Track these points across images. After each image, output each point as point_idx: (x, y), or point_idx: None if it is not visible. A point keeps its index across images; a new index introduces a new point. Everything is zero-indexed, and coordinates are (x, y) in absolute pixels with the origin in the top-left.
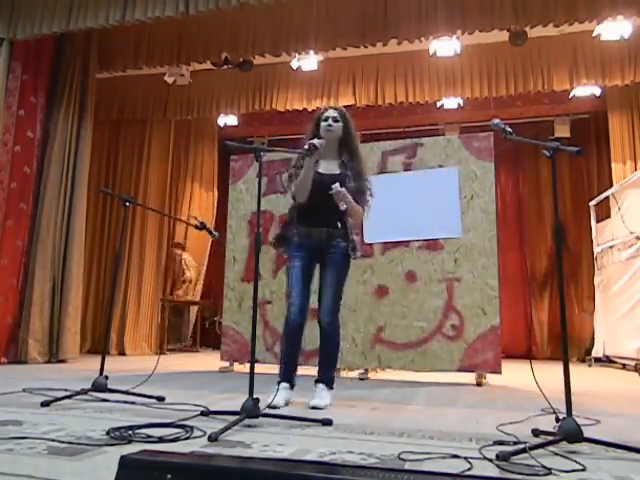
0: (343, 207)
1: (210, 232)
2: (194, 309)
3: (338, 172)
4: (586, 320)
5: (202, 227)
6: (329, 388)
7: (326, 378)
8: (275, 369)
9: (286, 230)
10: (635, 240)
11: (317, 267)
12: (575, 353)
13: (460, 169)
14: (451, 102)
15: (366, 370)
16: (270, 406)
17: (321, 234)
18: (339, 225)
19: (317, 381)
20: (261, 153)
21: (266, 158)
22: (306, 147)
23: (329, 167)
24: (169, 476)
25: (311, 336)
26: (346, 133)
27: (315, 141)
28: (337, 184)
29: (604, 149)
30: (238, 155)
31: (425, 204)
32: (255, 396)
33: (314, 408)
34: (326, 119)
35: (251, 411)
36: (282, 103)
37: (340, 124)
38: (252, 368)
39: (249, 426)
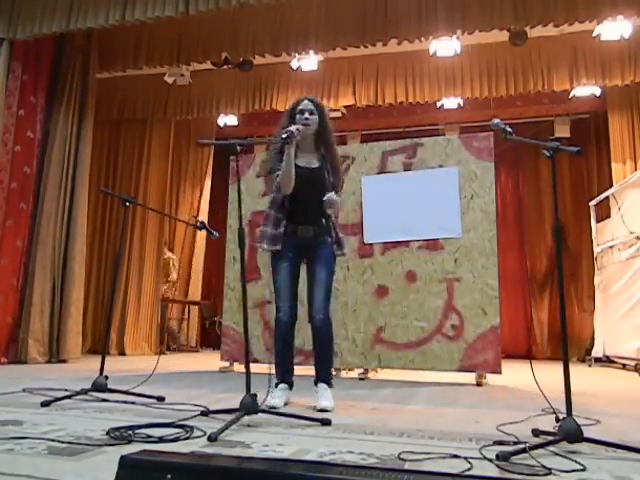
0: (330, 212)
1: (210, 232)
2: (194, 309)
3: (318, 165)
4: (586, 320)
5: (202, 227)
6: (330, 386)
7: (325, 376)
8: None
9: (268, 225)
10: (635, 240)
11: (303, 265)
12: (575, 353)
13: (460, 169)
14: (451, 102)
15: (366, 370)
16: (268, 407)
17: (308, 231)
18: (324, 221)
19: (317, 381)
20: (240, 149)
21: (265, 157)
22: (284, 135)
23: (308, 161)
24: (169, 476)
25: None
26: (322, 125)
27: (292, 127)
28: (331, 194)
29: (604, 149)
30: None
31: (425, 204)
32: (253, 392)
33: (322, 411)
34: (302, 112)
35: (250, 407)
36: (282, 103)
37: (316, 117)
38: (247, 364)
39: (249, 426)
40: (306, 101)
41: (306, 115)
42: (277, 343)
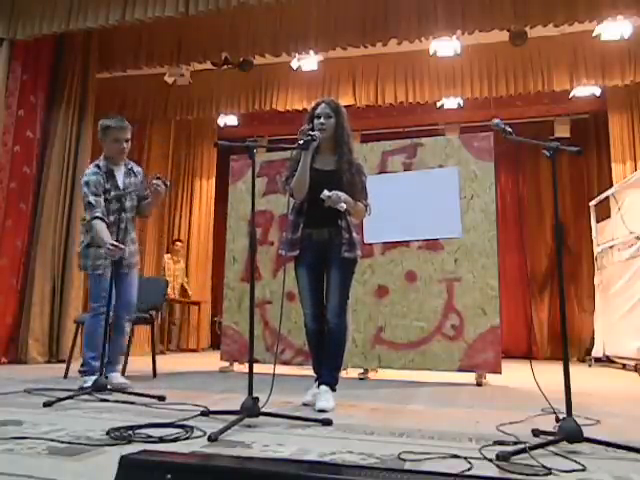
0: (342, 208)
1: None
2: (194, 309)
3: (333, 168)
4: (586, 320)
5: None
6: (332, 390)
7: (329, 380)
8: (277, 369)
9: (288, 231)
10: (635, 240)
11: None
12: (575, 353)
13: (460, 169)
14: (451, 102)
15: (366, 370)
16: (303, 403)
17: (323, 234)
18: (340, 223)
19: (320, 383)
20: (255, 151)
21: (266, 158)
22: (301, 142)
23: (325, 163)
24: (169, 476)
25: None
26: (338, 127)
27: (312, 133)
28: (325, 191)
29: (604, 149)
30: (238, 155)
31: (425, 204)
32: (255, 395)
33: (321, 411)
34: (318, 116)
35: (251, 410)
36: (282, 103)
37: (332, 120)
38: (251, 367)
39: (249, 426)
40: (323, 105)
41: (322, 120)
42: (309, 347)
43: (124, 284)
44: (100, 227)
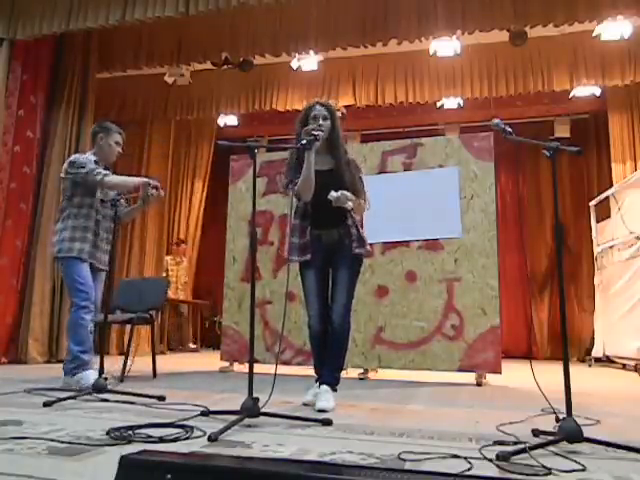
0: (350, 207)
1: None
2: (194, 309)
3: (331, 167)
4: (586, 320)
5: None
6: (333, 390)
7: (330, 380)
8: (274, 369)
9: (295, 235)
10: (635, 240)
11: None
12: (575, 353)
13: (460, 169)
14: (451, 102)
15: (366, 370)
16: (303, 403)
17: (333, 235)
18: (347, 221)
19: (321, 382)
20: (257, 151)
21: (266, 158)
22: (304, 142)
23: (322, 163)
24: (169, 476)
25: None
26: (334, 129)
27: (315, 132)
28: (332, 192)
29: (604, 149)
30: (238, 155)
31: (425, 204)
32: (255, 395)
33: (321, 411)
34: (315, 118)
35: (251, 410)
36: (282, 103)
37: (329, 122)
38: (251, 368)
39: (249, 426)
40: (319, 107)
41: (320, 122)
42: (312, 347)
43: (96, 284)
44: (117, 177)
